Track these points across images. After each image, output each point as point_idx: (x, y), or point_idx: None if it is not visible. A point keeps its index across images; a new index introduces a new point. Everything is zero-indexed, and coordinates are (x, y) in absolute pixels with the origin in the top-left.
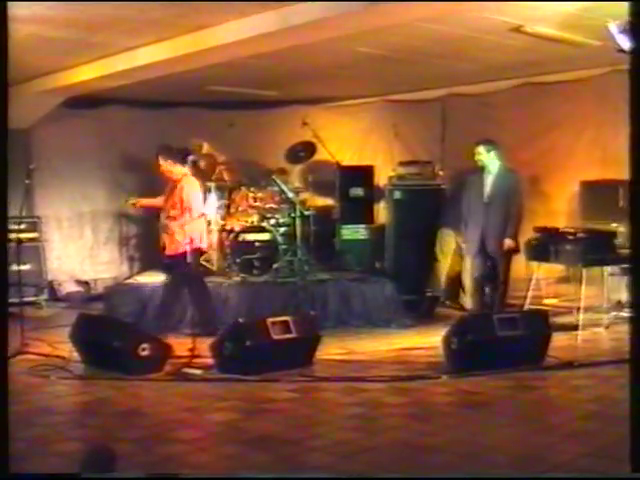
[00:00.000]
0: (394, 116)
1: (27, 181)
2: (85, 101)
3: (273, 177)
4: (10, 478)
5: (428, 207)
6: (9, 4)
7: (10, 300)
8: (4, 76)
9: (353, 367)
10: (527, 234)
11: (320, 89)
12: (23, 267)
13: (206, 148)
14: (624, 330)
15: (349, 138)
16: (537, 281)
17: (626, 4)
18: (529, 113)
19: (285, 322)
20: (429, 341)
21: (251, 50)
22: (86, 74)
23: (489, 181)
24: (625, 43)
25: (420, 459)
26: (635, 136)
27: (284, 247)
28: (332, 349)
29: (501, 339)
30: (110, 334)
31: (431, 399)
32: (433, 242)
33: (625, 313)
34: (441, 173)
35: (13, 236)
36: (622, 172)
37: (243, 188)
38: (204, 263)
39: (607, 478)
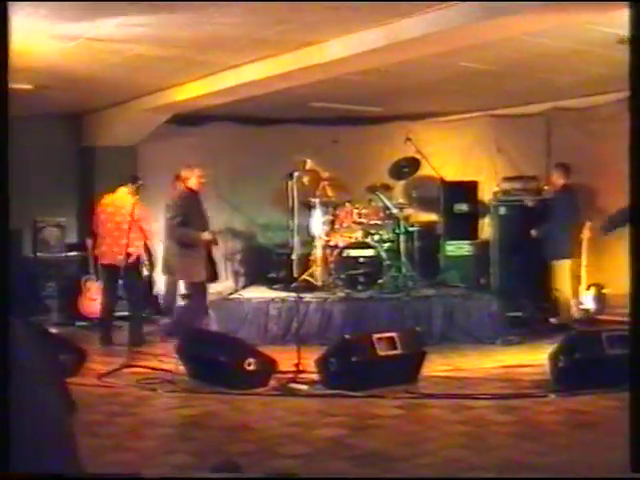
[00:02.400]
0: (497, 131)
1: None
2: (190, 118)
3: (377, 193)
4: (10, 478)
5: (533, 222)
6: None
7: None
8: (4, 76)
9: (458, 384)
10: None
11: (423, 105)
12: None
13: (310, 164)
14: None
15: (452, 153)
16: None
17: None
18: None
19: (391, 338)
20: (535, 358)
21: (356, 67)
22: (192, 92)
23: None
24: None
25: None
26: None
27: (388, 263)
28: (437, 365)
29: (610, 357)
30: (216, 348)
31: (538, 418)
32: (538, 257)
33: None
34: (546, 188)
35: None
36: None
37: (347, 204)
38: (308, 278)
39: (607, 478)
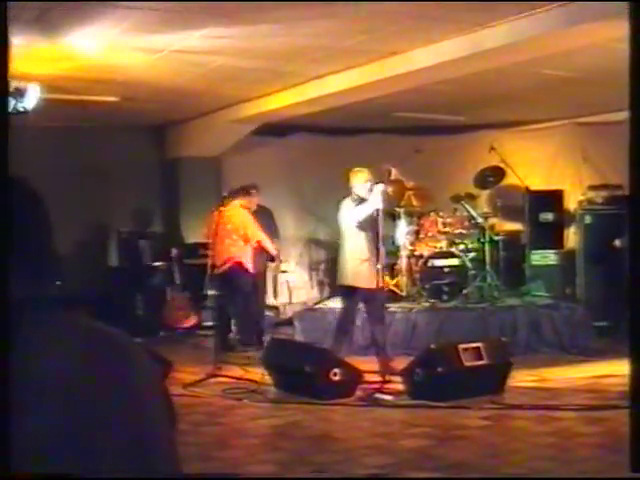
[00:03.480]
0: (582, 139)
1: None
2: (274, 129)
3: (462, 202)
4: (10, 478)
5: (619, 231)
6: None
7: (205, 324)
8: (5, 77)
9: (544, 395)
10: None
11: (507, 113)
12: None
13: (394, 174)
14: None
15: (537, 162)
16: None
17: None
18: None
19: (476, 348)
20: (622, 369)
21: (440, 76)
22: (277, 102)
23: None
24: None
25: None
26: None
27: (473, 272)
28: (523, 376)
29: None
30: (302, 359)
31: (625, 429)
32: (624, 267)
33: None
34: None
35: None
36: None
37: (432, 214)
38: (393, 288)
39: (607, 478)
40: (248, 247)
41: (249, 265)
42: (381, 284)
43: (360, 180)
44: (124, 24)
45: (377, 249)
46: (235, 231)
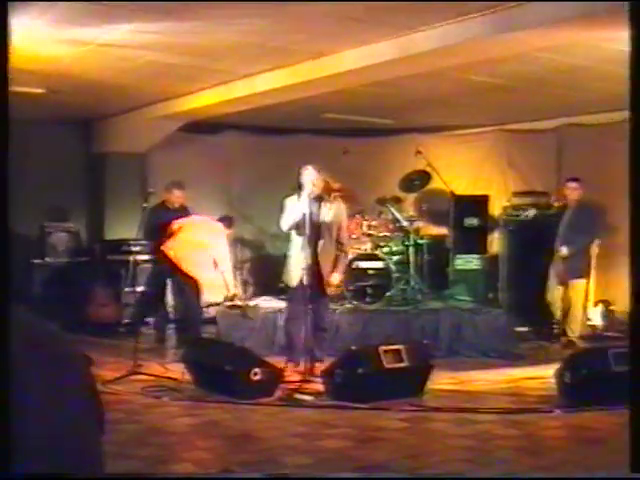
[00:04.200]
0: (509, 146)
1: (145, 204)
2: (202, 127)
3: (387, 205)
4: (10, 478)
5: (543, 238)
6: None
7: (125, 321)
8: (5, 78)
9: (464, 398)
10: None
11: (435, 118)
12: (137, 289)
13: (321, 175)
14: None
15: (463, 167)
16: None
17: None
18: None
19: (397, 350)
20: (542, 373)
21: (369, 78)
22: (205, 100)
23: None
24: None
25: None
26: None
27: (397, 275)
28: (443, 379)
29: (616, 374)
30: (222, 357)
31: (544, 433)
32: (546, 272)
33: None
34: (556, 204)
35: (130, 258)
36: None
37: (357, 216)
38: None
39: (607, 478)
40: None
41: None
42: (325, 286)
43: (308, 177)
44: (48, 15)
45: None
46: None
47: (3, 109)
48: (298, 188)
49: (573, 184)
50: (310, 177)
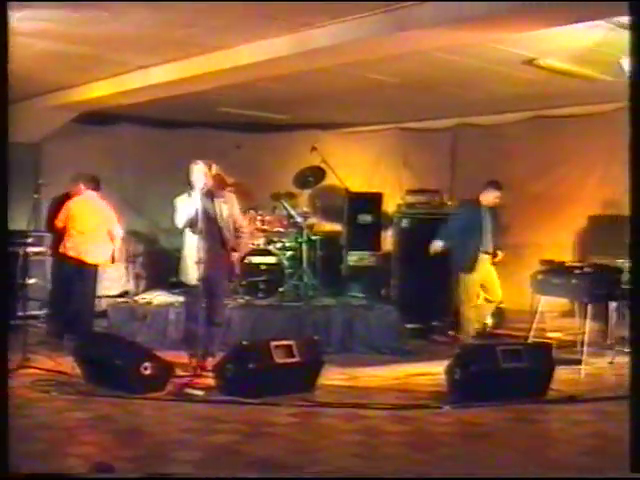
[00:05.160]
0: (404, 144)
1: (36, 195)
2: (97, 118)
3: (281, 201)
4: (10, 478)
5: (435, 236)
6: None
7: (19, 314)
8: (5, 78)
9: (355, 393)
10: (534, 267)
11: (331, 115)
12: (29, 281)
13: (215, 169)
14: (628, 366)
15: (358, 165)
16: (542, 314)
17: None
18: (540, 146)
19: (288, 346)
20: (432, 370)
21: (265, 73)
22: (99, 91)
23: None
24: None
25: None
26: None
27: (290, 271)
28: (334, 375)
29: (504, 371)
30: (113, 352)
31: (432, 429)
32: (439, 270)
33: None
34: (449, 203)
35: (20, 250)
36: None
37: (251, 211)
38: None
39: (607, 478)
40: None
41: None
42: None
43: (196, 173)
44: None
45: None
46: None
47: (3, 108)
48: (188, 185)
49: (497, 193)
50: (200, 172)
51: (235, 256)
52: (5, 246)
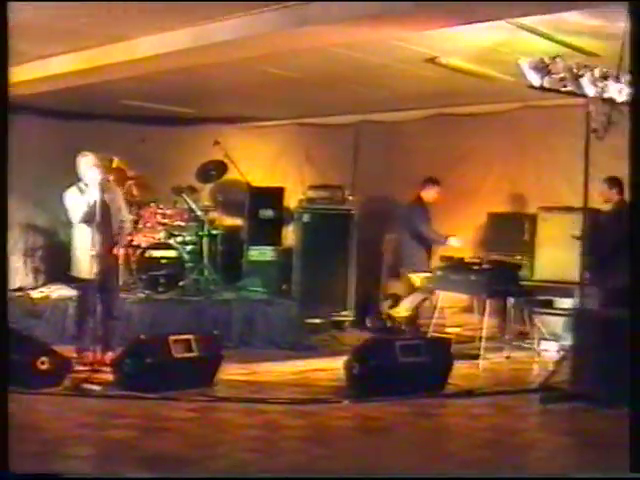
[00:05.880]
0: (307, 139)
1: None
2: None
3: (182, 195)
4: (10, 478)
5: (336, 231)
6: None
7: None
8: (5, 78)
9: (254, 388)
10: (433, 262)
11: (234, 109)
12: None
13: (116, 162)
14: (525, 360)
15: (261, 159)
16: (441, 309)
17: (538, 40)
18: (441, 143)
19: (187, 340)
20: (332, 365)
21: (165, 66)
22: None
23: None
24: (536, 80)
25: None
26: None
27: (190, 265)
28: (234, 369)
29: (403, 365)
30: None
31: (331, 423)
32: (340, 265)
33: (526, 344)
34: (351, 198)
35: None
36: (528, 206)
37: (152, 204)
38: None
39: (607, 478)
40: None
41: None
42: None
43: (87, 166)
44: None
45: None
46: None
47: (3, 107)
48: (77, 178)
49: (437, 188)
50: (89, 165)
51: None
52: (5, 246)
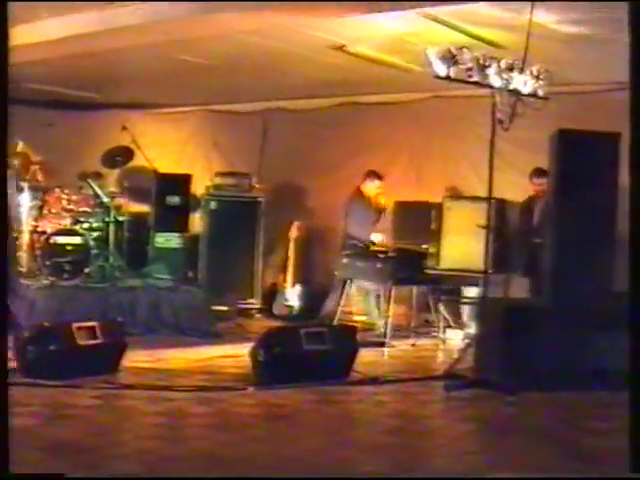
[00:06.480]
0: (214, 126)
1: None
2: None
3: (88, 180)
4: (10, 478)
5: (243, 218)
6: None
7: None
8: (4, 76)
9: (159, 376)
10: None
11: (142, 95)
12: None
13: (20, 147)
14: (429, 348)
15: (168, 146)
16: (348, 297)
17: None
18: (348, 132)
19: (91, 327)
20: (238, 352)
21: (70, 49)
22: None
23: None
24: (442, 69)
25: (221, 470)
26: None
27: (96, 252)
28: (139, 357)
29: (308, 353)
30: None
31: (236, 410)
32: (247, 252)
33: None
34: (258, 186)
35: None
36: (434, 194)
37: (57, 190)
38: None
39: (607, 478)
40: None
41: None
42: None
43: None
44: None
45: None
46: None
47: (3, 108)
48: None
49: (379, 182)
50: None
51: None
52: (5, 241)
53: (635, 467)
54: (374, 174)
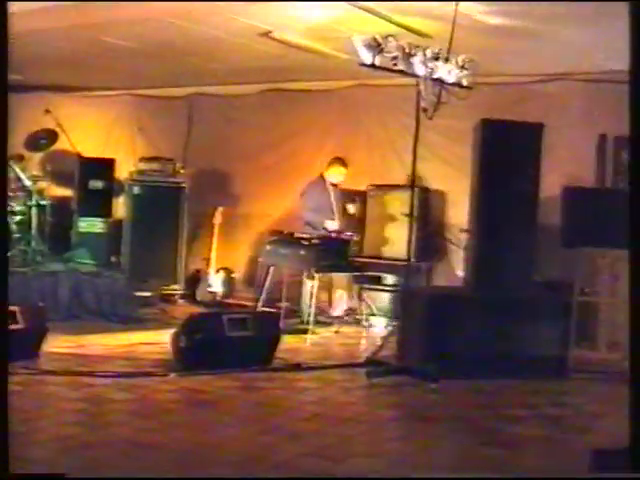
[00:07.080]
0: (140, 111)
1: None
2: None
3: (10, 164)
4: (10, 478)
5: (167, 204)
6: None
7: None
8: (4, 76)
9: (80, 361)
10: (264, 237)
11: (66, 77)
12: None
13: None
14: (353, 335)
15: (93, 129)
16: (273, 284)
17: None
18: (274, 118)
19: (12, 312)
20: (160, 338)
21: None
22: None
23: None
24: (368, 57)
25: (142, 456)
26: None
27: (18, 236)
28: (60, 342)
29: (230, 339)
30: None
31: (157, 396)
32: (170, 238)
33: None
34: (182, 171)
35: None
36: (361, 182)
37: None
38: None
39: (607, 478)
40: None
41: None
42: None
43: None
44: None
45: None
46: None
47: (3, 107)
48: None
49: (343, 169)
50: None
51: None
52: (5, 244)
53: (635, 467)
54: (340, 161)
